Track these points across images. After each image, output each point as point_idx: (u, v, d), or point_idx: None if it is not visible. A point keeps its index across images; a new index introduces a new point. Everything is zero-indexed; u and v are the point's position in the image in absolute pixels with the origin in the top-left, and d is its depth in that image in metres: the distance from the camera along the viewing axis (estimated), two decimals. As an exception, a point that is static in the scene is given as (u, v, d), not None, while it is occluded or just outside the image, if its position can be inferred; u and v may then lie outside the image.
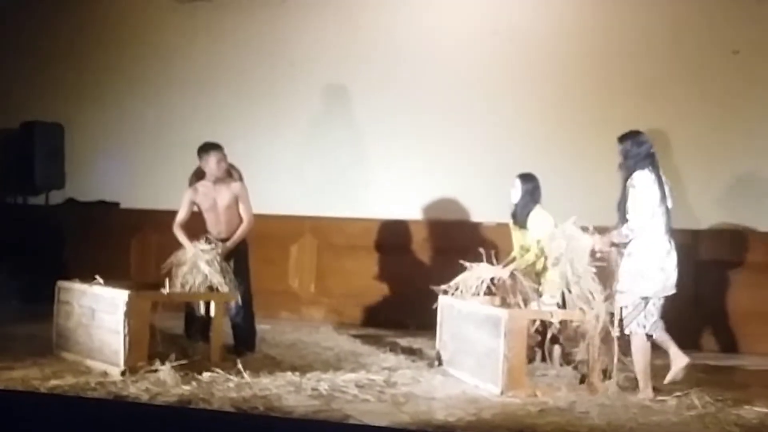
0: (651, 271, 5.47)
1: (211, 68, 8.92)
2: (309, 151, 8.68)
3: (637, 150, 5.54)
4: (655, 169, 5.53)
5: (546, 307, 5.89)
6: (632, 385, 5.61)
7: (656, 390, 5.53)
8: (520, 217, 6.23)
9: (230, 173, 6.45)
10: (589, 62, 7.98)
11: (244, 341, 6.37)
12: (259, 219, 7.72)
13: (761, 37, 7.60)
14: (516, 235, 6.32)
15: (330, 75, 8.60)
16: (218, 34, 8.92)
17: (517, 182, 6.25)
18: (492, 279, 6.06)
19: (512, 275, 6.02)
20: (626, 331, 5.53)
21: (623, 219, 5.51)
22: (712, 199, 7.62)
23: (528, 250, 6.16)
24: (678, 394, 5.44)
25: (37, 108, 9.04)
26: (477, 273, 6.06)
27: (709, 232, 7.60)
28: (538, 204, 6.21)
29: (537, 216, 6.17)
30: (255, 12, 8.81)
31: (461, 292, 6.07)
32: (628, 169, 5.51)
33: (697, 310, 7.58)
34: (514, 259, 6.19)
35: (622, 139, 5.62)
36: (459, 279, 6.09)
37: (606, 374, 5.64)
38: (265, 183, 8.47)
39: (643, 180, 5.46)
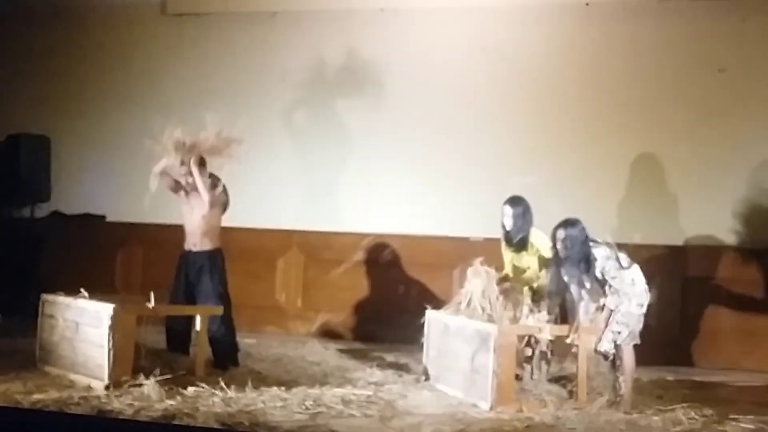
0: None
1: (199, 82, 8.89)
2: (296, 165, 8.67)
3: (582, 236, 5.62)
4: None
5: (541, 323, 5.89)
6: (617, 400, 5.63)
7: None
8: (515, 240, 6.18)
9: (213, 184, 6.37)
10: (577, 80, 8.01)
11: (223, 355, 6.30)
12: (246, 233, 7.71)
13: (746, 55, 7.67)
14: (508, 256, 6.30)
15: (319, 90, 8.60)
16: (206, 48, 8.91)
17: (508, 208, 6.19)
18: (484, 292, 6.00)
19: (506, 289, 5.98)
20: (628, 344, 5.61)
21: (586, 293, 5.65)
22: (699, 216, 7.65)
23: (524, 271, 6.16)
24: (664, 409, 5.45)
25: (23, 120, 8.99)
26: (471, 287, 6.00)
27: (695, 249, 7.62)
28: (532, 226, 6.18)
29: (536, 237, 6.16)
30: (244, 26, 8.81)
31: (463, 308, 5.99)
32: (576, 253, 5.58)
33: (683, 326, 7.61)
34: (506, 277, 6.18)
35: (567, 226, 5.62)
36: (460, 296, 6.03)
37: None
38: (252, 197, 8.46)
39: (606, 253, 5.58)
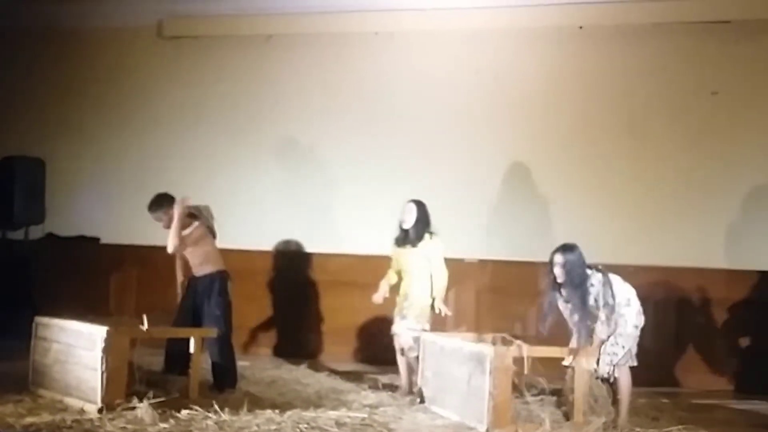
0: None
1: (194, 104, 8.92)
2: (292, 187, 8.67)
3: (580, 261, 5.63)
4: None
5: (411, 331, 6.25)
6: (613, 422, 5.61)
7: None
8: (412, 239, 6.49)
9: (192, 215, 6.30)
10: (570, 102, 8.06)
11: (222, 379, 6.29)
12: (242, 255, 7.69)
13: (739, 78, 7.72)
14: (399, 258, 6.57)
15: (314, 113, 8.63)
16: (202, 70, 8.94)
17: (412, 207, 6.52)
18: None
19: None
20: (624, 365, 5.61)
21: (585, 318, 5.59)
22: (694, 237, 7.66)
23: (407, 273, 6.42)
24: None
25: (18, 143, 8.99)
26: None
27: (689, 271, 7.63)
28: (429, 227, 6.54)
29: (432, 239, 6.50)
30: (240, 49, 8.84)
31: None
32: (574, 278, 5.57)
33: (678, 347, 7.60)
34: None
35: (566, 251, 5.63)
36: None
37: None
38: (247, 219, 8.47)
39: (601, 279, 5.60)
